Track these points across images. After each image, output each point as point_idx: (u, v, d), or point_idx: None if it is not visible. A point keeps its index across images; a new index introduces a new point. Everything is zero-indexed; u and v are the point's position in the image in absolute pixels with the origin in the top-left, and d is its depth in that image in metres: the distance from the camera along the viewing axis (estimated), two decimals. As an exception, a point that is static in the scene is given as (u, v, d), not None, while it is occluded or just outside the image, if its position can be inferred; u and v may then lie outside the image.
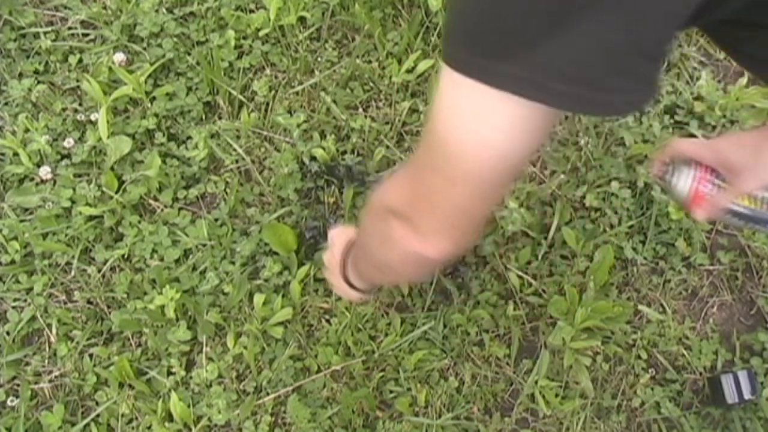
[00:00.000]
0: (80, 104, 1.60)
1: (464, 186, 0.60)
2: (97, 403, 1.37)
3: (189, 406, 1.36)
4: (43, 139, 1.53)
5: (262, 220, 1.48)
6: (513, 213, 1.45)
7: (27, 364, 1.41)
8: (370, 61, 1.64)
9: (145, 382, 1.38)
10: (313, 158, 1.54)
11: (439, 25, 1.64)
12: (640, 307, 1.46)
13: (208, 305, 1.42)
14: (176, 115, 1.60)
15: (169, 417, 1.36)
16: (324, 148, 1.54)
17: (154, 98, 1.59)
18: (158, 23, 1.64)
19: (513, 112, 0.53)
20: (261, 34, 1.65)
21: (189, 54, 1.63)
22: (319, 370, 1.39)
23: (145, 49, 1.64)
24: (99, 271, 1.45)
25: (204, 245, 1.47)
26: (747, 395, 1.34)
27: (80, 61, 1.64)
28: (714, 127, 1.60)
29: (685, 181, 0.91)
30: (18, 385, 1.39)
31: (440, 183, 0.62)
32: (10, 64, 1.64)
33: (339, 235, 1.10)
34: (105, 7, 1.69)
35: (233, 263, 1.45)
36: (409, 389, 1.39)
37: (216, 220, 1.50)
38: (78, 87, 1.62)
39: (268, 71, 1.64)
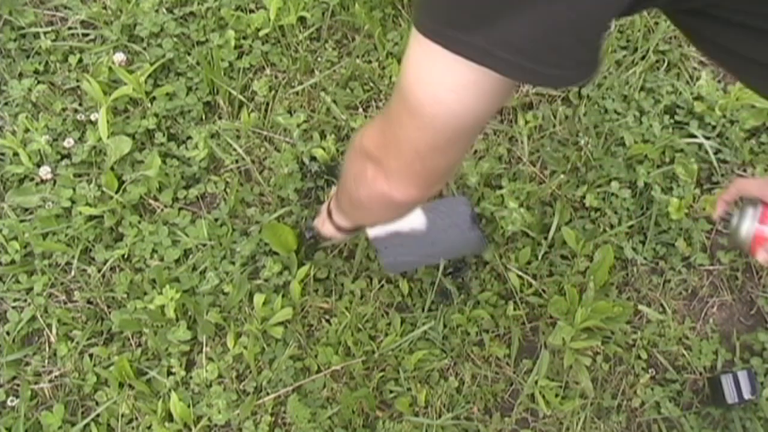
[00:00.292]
0: (80, 104, 1.60)
1: (423, 136, 0.69)
2: (97, 403, 1.37)
3: (189, 406, 1.36)
4: (43, 139, 1.53)
5: (262, 220, 1.48)
6: (513, 213, 1.45)
7: (27, 364, 1.41)
8: (370, 61, 1.64)
9: (145, 382, 1.38)
10: (313, 158, 1.54)
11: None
12: (640, 307, 1.46)
13: (208, 305, 1.42)
14: (176, 115, 1.60)
15: (169, 417, 1.36)
16: (324, 148, 1.54)
17: (154, 98, 1.59)
18: (158, 23, 1.64)
19: (465, 75, 0.61)
20: (261, 34, 1.65)
21: (189, 54, 1.63)
22: (319, 370, 1.39)
23: (145, 49, 1.64)
24: (99, 271, 1.45)
25: (204, 245, 1.47)
26: (747, 395, 1.34)
27: (80, 61, 1.64)
28: (714, 127, 1.60)
29: (750, 223, 0.88)
30: (18, 385, 1.39)
31: (404, 132, 0.70)
32: (10, 64, 1.64)
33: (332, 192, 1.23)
34: (105, 7, 1.69)
35: (233, 263, 1.45)
36: (409, 389, 1.39)
37: (216, 220, 1.50)
38: (78, 87, 1.62)
39: (268, 71, 1.64)
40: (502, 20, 0.56)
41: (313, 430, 1.34)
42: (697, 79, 1.65)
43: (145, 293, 1.43)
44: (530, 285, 1.45)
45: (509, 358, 1.42)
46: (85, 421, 1.36)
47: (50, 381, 1.39)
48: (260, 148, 1.56)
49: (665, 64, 1.67)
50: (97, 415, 1.36)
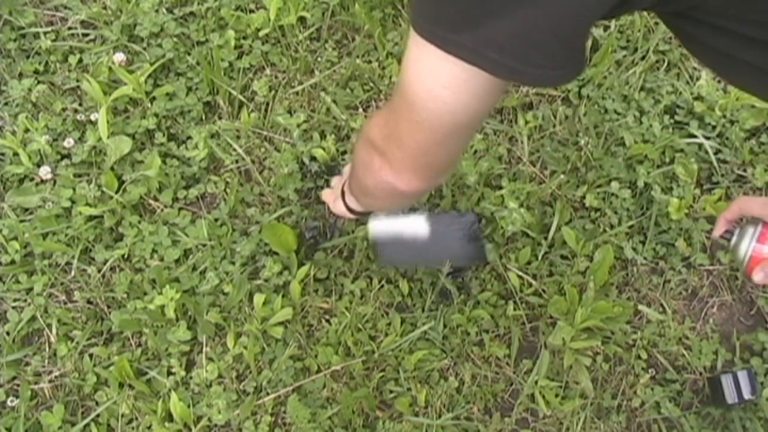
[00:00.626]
0: (80, 104, 1.60)
1: (423, 131, 0.73)
2: (97, 403, 1.37)
3: (189, 406, 1.36)
4: (43, 139, 1.53)
5: (262, 220, 1.48)
6: (513, 213, 1.45)
7: (27, 364, 1.41)
8: (370, 61, 1.64)
9: (145, 382, 1.38)
10: (313, 158, 1.54)
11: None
12: (640, 307, 1.46)
13: (208, 305, 1.42)
14: (176, 115, 1.60)
15: (169, 417, 1.36)
16: (324, 148, 1.54)
17: (154, 98, 1.59)
18: (158, 23, 1.64)
19: (458, 74, 0.64)
20: (261, 34, 1.65)
21: (189, 54, 1.63)
22: (319, 370, 1.39)
23: (145, 49, 1.64)
24: (99, 271, 1.45)
25: (204, 245, 1.47)
26: (747, 395, 1.34)
27: (80, 61, 1.64)
28: (714, 127, 1.60)
29: (749, 242, 0.87)
30: (18, 385, 1.39)
31: (406, 126, 0.74)
32: (10, 64, 1.64)
33: (347, 169, 1.26)
34: (105, 7, 1.69)
35: (233, 263, 1.45)
36: (409, 389, 1.39)
37: (216, 220, 1.50)
38: (78, 87, 1.62)
39: (268, 71, 1.64)
40: (489, 21, 0.59)
41: (313, 430, 1.34)
42: (697, 79, 1.65)
43: (145, 293, 1.43)
44: (530, 285, 1.45)
45: (509, 358, 1.42)
46: (85, 421, 1.35)
47: (50, 381, 1.39)
48: (260, 148, 1.56)
49: (665, 64, 1.67)
50: (97, 415, 1.36)
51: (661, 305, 1.48)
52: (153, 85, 1.61)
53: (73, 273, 1.46)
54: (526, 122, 1.59)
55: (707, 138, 1.58)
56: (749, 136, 1.61)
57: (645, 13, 1.66)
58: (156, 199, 1.52)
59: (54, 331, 1.42)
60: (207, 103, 1.61)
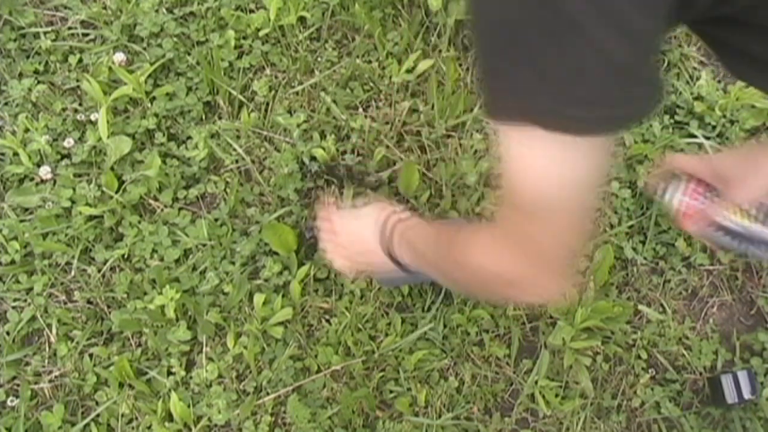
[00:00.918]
0: (80, 104, 1.60)
1: (560, 223, 0.65)
2: (97, 403, 1.37)
3: (189, 406, 1.36)
4: (43, 139, 1.53)
5: (262, 220, 1.48)
6: (513, 213, 1.45)
7: (27, 364, 1.41)
8: (370, 61, 1.64)
9: (145, 382, 1.38)
10: (313, 158, 1.54)
11: (439, 25, 1.64)
12: (640, 307, 1.46)
13: (208, 305, 1.42)
14: (176, 115, 1.60)
15: (169, 417, 1.36)
16: (324, 148, 1.54)
17: (154, 98, 1.59)
18: (158, 23, 1.64)
19: (557, 151, 0.59)
20: (261, 34, 1.65)
21: (189, 54, 1.63)
22: (319, 370, 1.39)
23: (145, 49, 1.64)
24: (99, 271, 1.45)
25: (204, 245, 1.47)
26: (747, 395, 1.35)
27: (80, 61, 1.64)
28: (714, 127, 1.60)
29: (674, 194, 0.91)
30: (18, 385, 1.39)
31: (541, 231, 0.65)
32: (10, 64, 1.64)
33: (373, 210, 1.10)
34: (105, 7, 1.69)
35: (233, 263, 1.45)
36: (409, 389, 1.39)
37: (216, 220, 1.50)
38: (78, 87, 1.62)
39: (268, 71, 1.64)
40: (567, 82, 0.55)
41: (313, 430, 1.34)
42: (697, 79, 1.65)
43: (145, 293, 1.43)
44: (530, 285, 1.45)
45: (509, 358, 1.42)
46: (85, 421, 1.36)
47: (50, 381, 1.39)
48: (260, 148, 1.56)
49: (665, 64, 1.67)
50: (97, 415, 1.36)
51: (661, 305, 1.48)
52: (153, 85, 1.61)
53: (73, 273, 1.46)
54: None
55: (707, 138, 1.58)
56: (749, 136, 1.61)
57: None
58: (156, 199, 1.52)
59: (54, 331, 1.42)
60: (207, 103, 1.61)
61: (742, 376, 1.36)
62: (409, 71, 1.61)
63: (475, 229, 0.78)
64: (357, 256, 1.12)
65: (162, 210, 1.52)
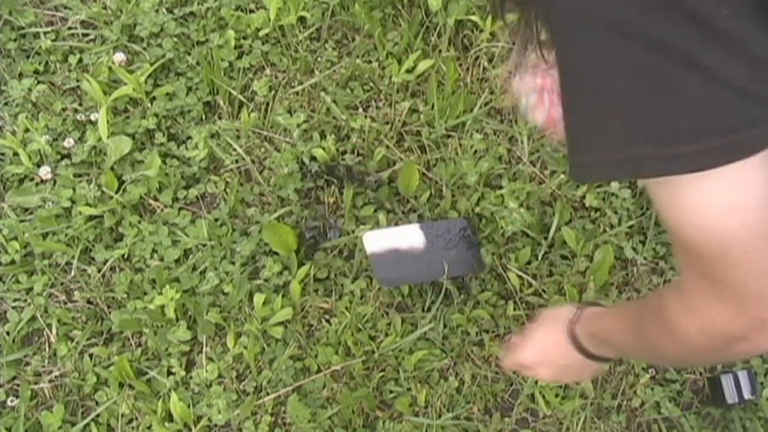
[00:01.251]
0: (80, 104, 1.60)
1: (759, 252, 0.57)
2: (97, 403, 1.37)
3: (189, 406, 1.36)
4: (43, 139, 1.53)
5: (262, 220, 1.48)
6: (513, 213, 1.45)
7: (27, 364, 1.41)
8: (370, 61, 1.64)
9: (145, 382, 1.38)
10: (313, 158, 1.54)
11: (439, 25, 1.64)
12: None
13: (208, 305, 1.42)
14: (176, 115, 1.60)
15: (169, 417, 1.36)
16: (324, 148, 1.54)
17: (154, 98, 1.59)
18: (158, 23, 1.64)
19: (728, 176, 0.53)
20: (261, 34, 1.65)
21: (189, 54, 1.63)
22: (319, 370, 1.39)
23: (145, 49, 1.64)
24: (99, 271, 1.45)
25: (204, 245, 1.47)
26: (747, 395, 1.34)
27: (80, 61, 1.64)
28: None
29: (522, 101, 0.94)
30: (18, 385, 1.39)
31: (743, 271, 0.58)
32: (10, 64, 1.64)
33: (550, 315, 1.02)
34: (105, 7, 1.69)
35: (233, 263, 1.45)
36: (409, 389, 1.39)
37: (216, 220, 1.50)
38: (78, 87, 1.62)
39: (268, 71, 1.64)
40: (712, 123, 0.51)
41: (313, 430, 1.34)
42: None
43: (145, 293, 1.43)
44: (530, 285, 1.45)
45: (509, 358, 1.42)
46: (85, 421, 1.36)
47: (50, 381, 1.39)
48: (260, 148, 1.56)
49: None
50: (97, 415, 1.36)
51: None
52: (153, 85, 1.61)
53: (73, 273, 1.46)
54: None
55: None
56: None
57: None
58: (156, 199, 1.52)
59: (54, 331, 1.42)
60: (207, 103, 1.61)
61: (743, 376, 1.36)
62: (409, 71, 1.61)
63: (664, 307, 0.68)
64: (564, 373, 1.04)
65: (162, 210, 1.52)
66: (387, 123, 1.58)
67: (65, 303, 1.45)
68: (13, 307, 1.44)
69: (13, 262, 1.46)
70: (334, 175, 1.52)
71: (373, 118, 1.59)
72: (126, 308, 1.42)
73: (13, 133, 1.56)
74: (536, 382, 1.39)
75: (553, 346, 0.98)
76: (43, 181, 1.52)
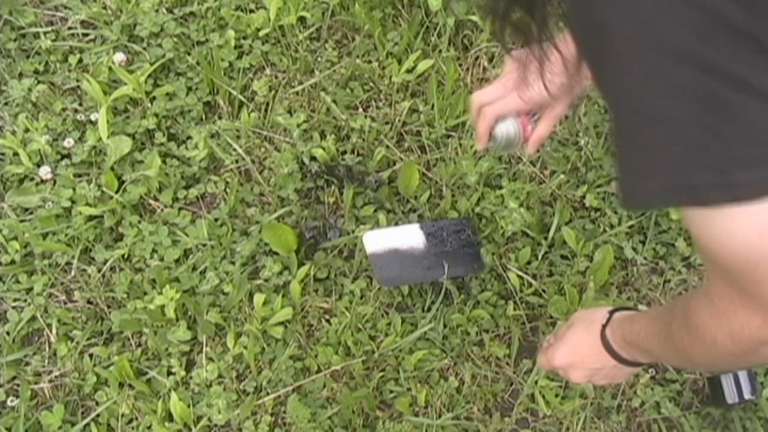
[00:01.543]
0: (80, 104, 1.60)
1: None
2: (97, 403, 1.37)
3: (189, 406, 1.36)
4: (43, 139, 1.53)
5: (262, 220, 1.48)
6: (513, 213, 1.45)
7: (27, 364, 1.41)
8: (370, 61, 1.64)
9: (145, 382, 1.38)
10: (313, 158, 1.54)
11: (439, 25, 1.64)
12: (640, 307, 1.46)
13: (208, 305, 1.42)
14: (176, 115, 1.60)
15: (169, 417, 1.36)
16: (324, 148, 1.54)
17: (154, 98, 1.59)
18: (158, 23, 1.64)
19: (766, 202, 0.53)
20: (261, 34, 1.65)
21: (189, 54, 1.63)
22: (319, 370, 1.39)
23: (145, 49, 1.64)
24: (99, 271, 1.45)
25: (204, 245, 1.47)
26: (747, 395, 1.34)
27: (80, 61, 1.64)
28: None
29: (517, 134, 1.00)
30: (18, 385, 1.39)
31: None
32: (10, 64, 1.64)
33: (582, 317, 1.03)
34: (105, 7, 1.69)
35: (233, 263, 1.45)
36: (409, 389, 1.39)
37: (216, 220, 1.50)
38: (78, 87, 1.62)
39: (268, 71, 1.64)
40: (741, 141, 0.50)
41: (313, 430, 1.34)
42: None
43: (145, 293, 1.43)
44: (530, 285, 1.45)
45: (509, 358, 1.42)
46: (85, 421, 1.36)
47: (50, 381, 1.39)
48: (260, 148, 1.56)
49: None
50: (97, 415, 1.36)
51: (661, 305, 1.48)
52: (153, 85, 1.61)
53: (73, 273, 1.46)
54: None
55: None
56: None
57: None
58: (156, 199, 1.52)
59: (54, 331, 1.42)
60: (207, 103, 1.61)
61: (743, 376, 1.36)
62: (409, 71, 1.62)
63: (692, 312, 0.69)
64: (597, 376, 1.03)
65: (162, 210, 1.52)
66: (387, 123, 1.58)
67: (65, 303, 1.45)
68: (13, 307, 1.44)
69: (13, 262, 1.46)
70: (334, 175, 1.52)
71: (373, 118, 1.59)
72: (126, 308, 1.42)
73: (13, 133, 1.56)
74: (536, 382, 1.39)
75: (586, 350, 0.98)
76: (43, 181, 1.52)
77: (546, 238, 1.48)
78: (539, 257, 1.47)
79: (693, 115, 0.51)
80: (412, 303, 1.45)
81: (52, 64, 1.63)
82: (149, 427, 1.35)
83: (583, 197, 1.52)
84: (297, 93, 1.62)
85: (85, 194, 1.48)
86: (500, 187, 1.52)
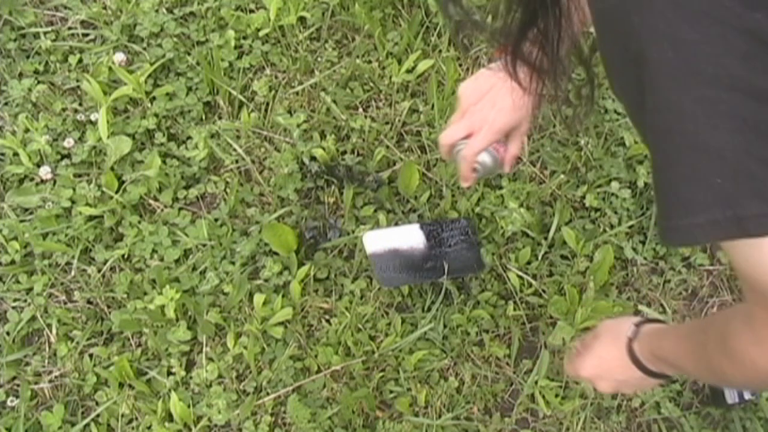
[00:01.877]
0: (80, 104, 1.60)
1: None
2: (97, 403, 1.37)
3: (189, 406, 1.36)
4: (43, 139, 1.53)
5: (262, 220, 1.48)
6: (513, 213, 1.45)
7: (27, 364, 1.41)
8: (370, 61, 1.64)
9: (145, 382, 1.38)
10: (313, 158, 1.54)
11: (439, 25, 1.64)
12: (640, 307, 1.46)
13: (208, 305, 1.42)
14: (176, 115, 1.60)
15: (169, 417, 1.36)
16: (324, 148, 1.54)
17: (154, 98, 1.59)
18: (158, 23, 1.64)
19: None
20: (261, 34, 1.65)
21: (189, 54, 1.63)
22: (319, 370, 1.39)
23: (145, 49, 1.64)
24: (99, 271, 1.45)
25: (204, 245, 1.47)
26: (747, 395, 1.34)
27: (80, 61, 1.64)
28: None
29: (495, 161, 1.08)
30: (18, 385, 1.39)
31: None
32: (10, 64, 1.64)
33: (609, 328, 1.03)
34: (105, 7, 1.69)
35: (233, 263, 1.45)
36: (409, 389, 1.39)
37: (216, 220, 1.50)
38: (78, 87, 1.62)
39: (268, 71, 1.64)
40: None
41: (313, 430, 1.34)
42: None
43: (145, 293, 1.43)
44: (530, 285, 1.45)
45: (509, 358, 1.42)
46: (85, 421, 1.35)
47: (50, 381, 1.39)
48: (260, 148, 1.56)
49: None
50: (97, 415, 1.36)
51: (661, 305, 1.48)
52: (153, 85, 1.61)
53: (73, 273, 1.46)
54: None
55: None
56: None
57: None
58: (156, 199, 1.52)
59: (54, 331, 1.42)
60: (207, 103, 1.61)
61: (742, 376, 1.36)
62: (409, 71, 1.61)
63: (730, 335, 0.69)
64: (624, 387, 1.04)
65: (162, 210, 1.52)
66: (387, 123, 1.58)
67: (65, 303, 1.45)
68: (13, 307, 1.44)
69: (13, 262, 1.46)
70: (334, 175, 1.52)
71: (373, 118, 1.59)
72: (126, 308, 1.42)
73: (13, 133, 1.56)
74: (536, 382, 1.39)
75: (612, 362, 0.98)
76: (43, 181, 1.52)
77: (546, 238, 1.48)
78: (539, 257, 1.47)
79: (740, 143, 0.50)
80: (412, 303, 1.45)
81: (52, 64, 1.63)
82: (149, 427, 1.35)
83: (583, 197, 1.52)
84: (297, 93, 1.62)
85: (85, 194, 1.48)
86: (500, 187, 1.52)
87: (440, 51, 1.63)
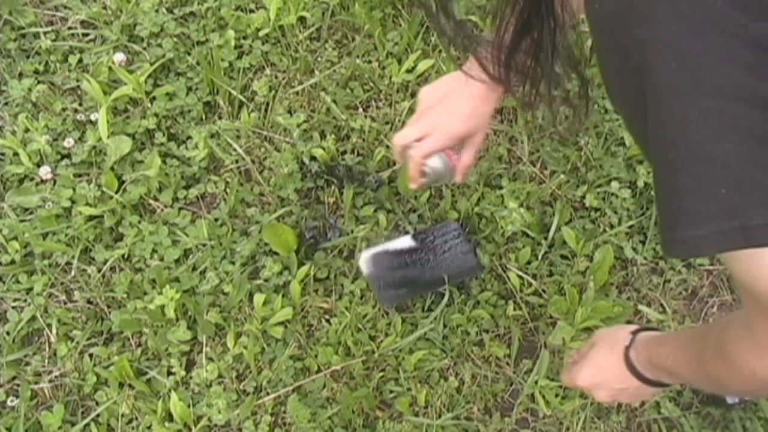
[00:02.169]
0: (80, 104, 1.60)
1: None
2: (97, 403, 1.37)
3: (189, 406, 1.36)
4: (43, 139, 1.53)
5: (262, 220, 1.48)
6: (513, 213, 1.45)
7: (27, 364, 1.41)
8: (370, 61, 1.64)
9: (145, 382, 1.38)
10: (313, 158, 1.54)
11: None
12: (640, 307, 1.46)
13: (208, 305, 1.42)
14: (176, 115, 1.60)
15: (169, 417, 1.36)
16: (324, 148, 1.54)
17: (154, 98, 1.59)
18: (158, 23, 1.64)
19: None
20: (261, 34, 1.65)
21: (189, 54, 1.63)
22: (319, 370, 1.39)
23: (145, 49, 1.64)
24: (99, 271, 1.45)
25: (204, 245, 1.47)
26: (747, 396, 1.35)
27: (80, 61, 1.64)
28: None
29: (446, 167, 1.08)
30: (18, 385, 1.39)
31: None
32: (10, 64, 1.64)
33: (605, 337, 1.03)
34: (105, 7, 1.69)
35: (233, 263, 1.45)
36: (409, 389, 1.39)
37: (216, 220, 1.50)
38: (78, 87, 1.62)
39: (268, 71, 1.64)
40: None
41: (313, 430, 1.34)
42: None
43: (145, 293, 1.43)
44: (530, 285, 1.45)
45: (509, 358, 1.42)
46: (85, 421, 1.35)
47: (50, 381, 1.39)
48: (260, 148, 1.56)
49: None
50: (97, 415, 1.36)
51: (661, 305, 1.48)
52: (153, 85, 1.61)
53: (73, 273, 1.46)
54: (526, 122, 1.59)
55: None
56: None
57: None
58: (156, 199, 1.52)
59: (54, 331, 1.42)
60: (207, 103, 1.61)
61: (742, 376, 1.36)
62: (409, 71, 1.62)
63: (728, 343, 0.69)
64: (621, 396, 1.04)
65: (162, 210, 1.52)
66: (387, 123, 1.58)
67: (65, 303, 1.45)
68: (13, 307, 1.44)
69: (13, 262, 1.46)
70: (334, 175, 1.52)
71: (373, 118, 1.59)
72: (126, 308, 1.42)
73: (13, 133, 1.56)
74: (536, 382, 1.39)
75: (609, 371, 0.98)
76: (43, 181, 1.52)
77: (546, 238, 1.48)
78: (539, 257, 1.47)
79: (745, 153, 0.49)
80: (412, 303, 1.45)
81: (52, 64, 1.64)
82: (149, 427, 1.35)
83: (583, 197, 1.52)
84: (297, 93, 1.62)
85: (85, 194, 1.48)
86: (500, 187, 1.52)
87: (440, 51, 1.63)
